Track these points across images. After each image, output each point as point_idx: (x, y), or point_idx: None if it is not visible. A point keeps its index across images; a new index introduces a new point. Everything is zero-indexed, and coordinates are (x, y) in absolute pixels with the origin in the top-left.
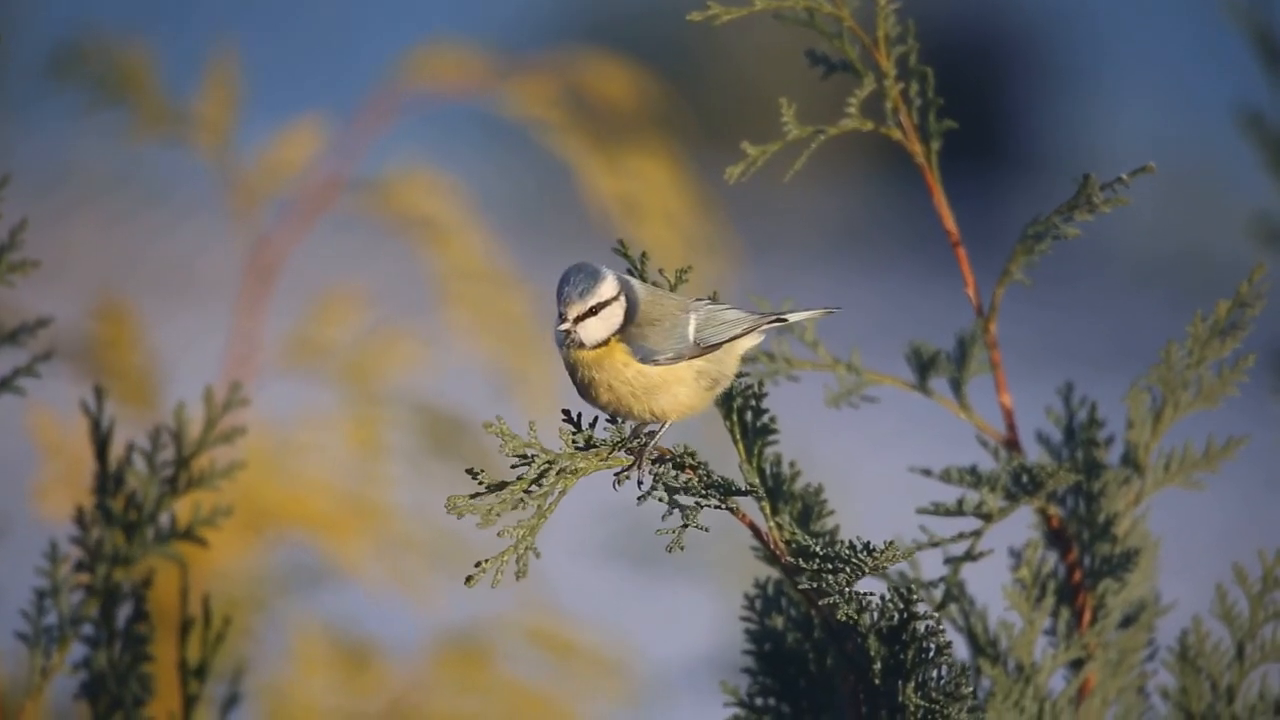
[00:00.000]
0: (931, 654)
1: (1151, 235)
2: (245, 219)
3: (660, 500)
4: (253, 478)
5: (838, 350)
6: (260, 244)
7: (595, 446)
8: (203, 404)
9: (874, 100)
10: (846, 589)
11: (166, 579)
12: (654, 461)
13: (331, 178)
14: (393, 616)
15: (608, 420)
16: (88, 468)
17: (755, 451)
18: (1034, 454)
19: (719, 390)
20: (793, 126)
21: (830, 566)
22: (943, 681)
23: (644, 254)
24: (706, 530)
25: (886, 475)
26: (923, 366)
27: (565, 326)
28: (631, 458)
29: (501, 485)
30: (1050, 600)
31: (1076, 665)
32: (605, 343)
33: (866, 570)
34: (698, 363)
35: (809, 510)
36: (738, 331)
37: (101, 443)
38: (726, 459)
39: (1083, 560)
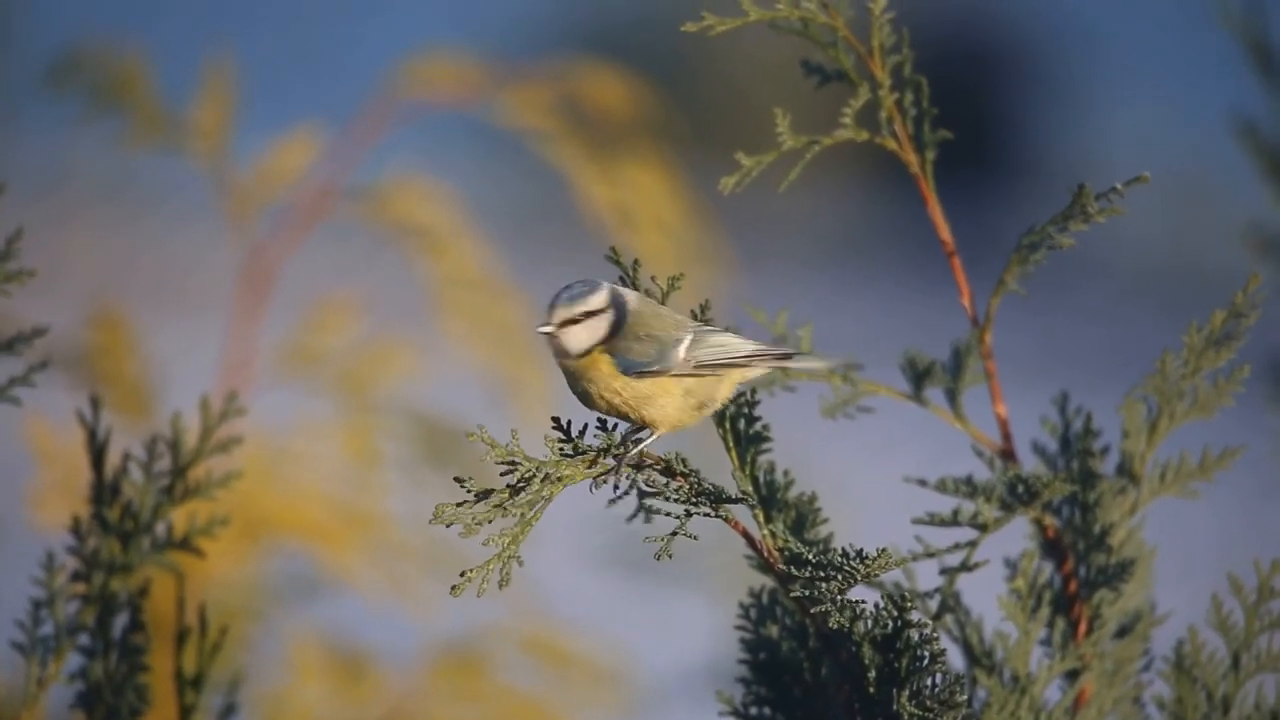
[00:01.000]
0: (926, 662)
1: (1147, 244)
2: (241, 227)
3: (641, 506)
4: (249, 487)
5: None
6: (256, 252)
7: (583, 453)
8: (199, 413)
9: (869, 110)
10: (839, 596)
11: (163, 588)
12: (633, 467)
13: (327, 186)
14: (389, 625)
15: (597, 426)
16: (84, 476)
17: (748, 460)
18: (1029, 463)
19: (708, 411)
20: (787, 137)
21: (823, 574)
22: (937, 689)
23: (636, 261)
24: (695, 539)
25: (882, 485)
26: (918, 377)
27: (547, 329)
28: (614, 463)
29: (488, 493)
30: (1046, 611)
31: (1072, 676)
32: (589, 352)
33: (859, 578)
34: (687, 381)
35: (803, 519)
36: (731, 358)
37: (97, 452)
38: (721, 468)
39: (1078, 570)
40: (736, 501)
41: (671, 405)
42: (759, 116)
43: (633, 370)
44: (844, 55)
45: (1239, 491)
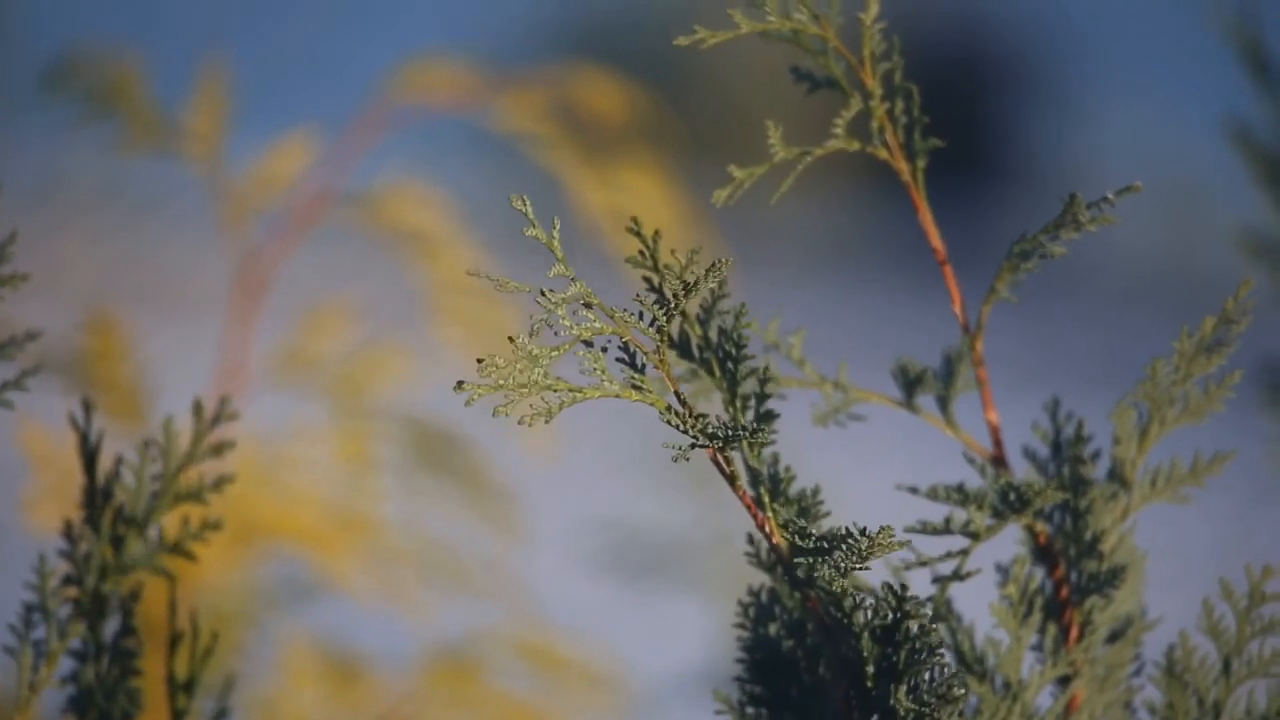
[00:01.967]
0: (924, 655)
1: (1139, 250)
2: (235, 232)
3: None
4: (242, 491)
5: (824, 367)
6: (250, 257)
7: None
8: (192, 417)
9: (861, 118)
10: (844, 566)
11: (155, 593)
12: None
13: (322, 191)
14: (383, 630)
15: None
16: (78, 480)
17: (755, 449)
18: (1021, 469)
19: None
20: (779, 148)
21: (828, 546)
22: (935, 684)
23: (656, 232)
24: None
25: (873, 492)
26: (909, 384)
27: None
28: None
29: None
30: (1037, 617)
31: (1064, 681)
32: None
33: (863, 552)
34: None
35: (805, 513)
36: None
37: (90, 456)
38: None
39: (1070, 576)
40: (739, 436)
41: None
42: (755, 121)
43: None
44: (834, 64)
45: (1232, 496)
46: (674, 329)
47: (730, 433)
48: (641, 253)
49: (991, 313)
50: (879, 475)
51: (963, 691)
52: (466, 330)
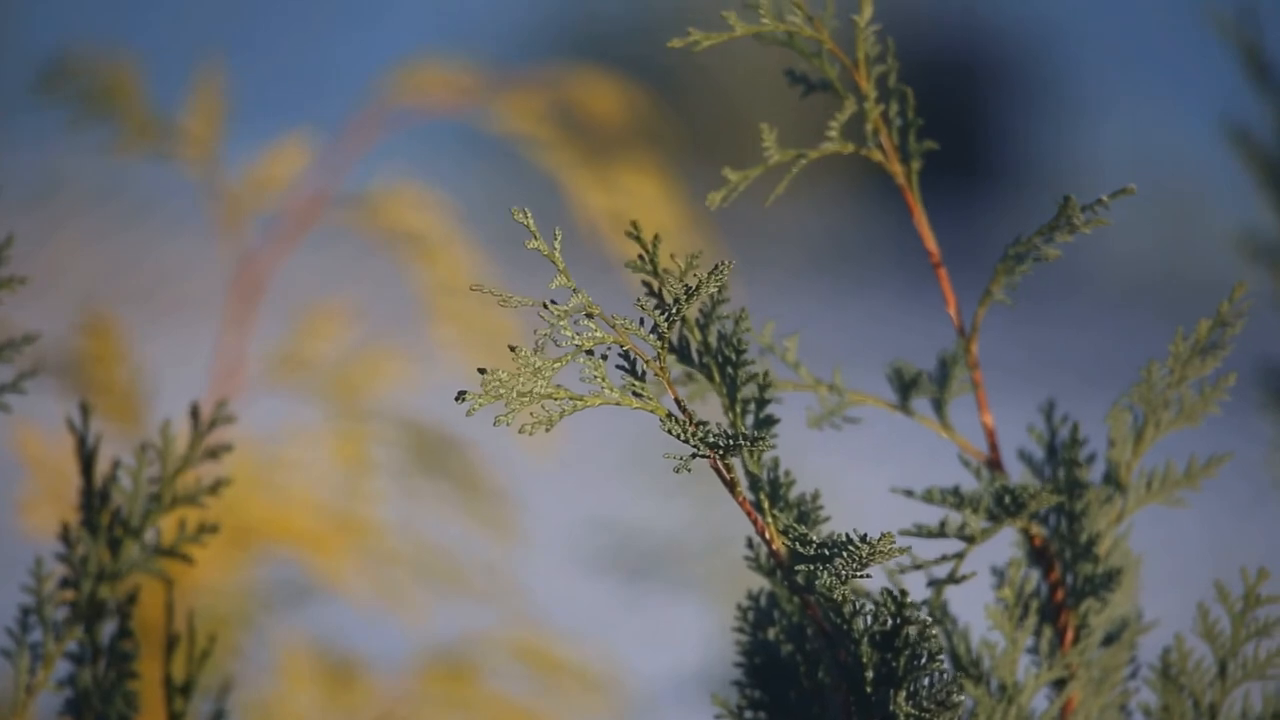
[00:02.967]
0: (924, 660)
1: (1134, 252)
2: (231, 234)
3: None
4: (239, 494)
5: (819, 370)
6: (246, 259)
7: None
8: (188, 420)
9: (856, 120)
10: (844, 574)
11: (152, 595)
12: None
13: (318, 193)
14: (379, 632)
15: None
16: (75, 483)
17: (755, 453)
18: (1016, 471)
19: None
20: (774, 151)
21: (828, 553)
22: (934, 690)
23: (656, 236)
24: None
25: (868, 496)
26: (904, 386)
27: None
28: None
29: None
30: (1033, 620)
31: (1059, 684)
32: None
33: (864, 559)
34: None
35: (804, 517)
36: None
37: (87, 458)
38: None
39: (1065, 579)
40: (740, 444)
41: None
42: (754, 122)
43: None
44: (829, 66)
45: (1229, 498)
46: (674, 334)
47: (731, 441)
48: (641, 257)
49: (987, 315)
50: (874, 478)
51: (962, 698)
52: (463, 332)
